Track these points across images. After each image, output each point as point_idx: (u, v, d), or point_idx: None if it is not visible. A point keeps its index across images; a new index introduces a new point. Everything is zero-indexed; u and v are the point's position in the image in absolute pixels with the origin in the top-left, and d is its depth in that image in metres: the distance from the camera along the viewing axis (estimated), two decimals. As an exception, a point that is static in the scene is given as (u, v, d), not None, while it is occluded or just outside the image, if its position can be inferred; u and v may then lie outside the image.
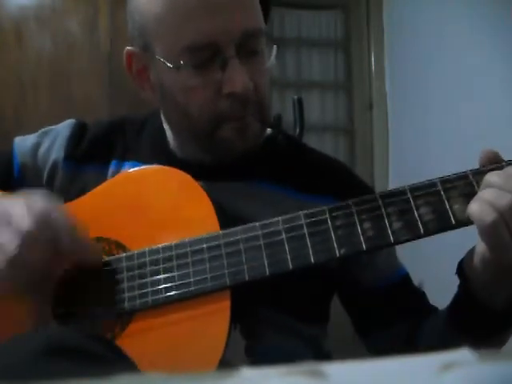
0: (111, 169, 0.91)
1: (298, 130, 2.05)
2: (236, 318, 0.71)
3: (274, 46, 0.85)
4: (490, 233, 0.64)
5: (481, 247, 0.68)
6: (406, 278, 0.94)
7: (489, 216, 0.64)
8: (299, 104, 2.09)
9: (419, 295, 0.93)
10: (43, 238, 0.70)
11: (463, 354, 0.30)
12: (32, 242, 0.70)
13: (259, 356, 0.78)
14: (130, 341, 0.72)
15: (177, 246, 0.75)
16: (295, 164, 0.93)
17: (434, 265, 2.13)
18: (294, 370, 0.29)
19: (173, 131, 0.91)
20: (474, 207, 0.65)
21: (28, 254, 0.70)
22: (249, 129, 0.83)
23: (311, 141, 3.04)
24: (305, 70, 3.18)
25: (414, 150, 2.82)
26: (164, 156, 0.91)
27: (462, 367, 0.28)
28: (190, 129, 0.84)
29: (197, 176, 0.81)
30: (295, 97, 2.14)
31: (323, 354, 0.88)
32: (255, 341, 0.79)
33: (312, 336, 0.87)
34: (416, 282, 0.94)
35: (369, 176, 2.99)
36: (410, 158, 2.82)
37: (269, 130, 0.95)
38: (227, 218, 0.77)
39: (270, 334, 0.80)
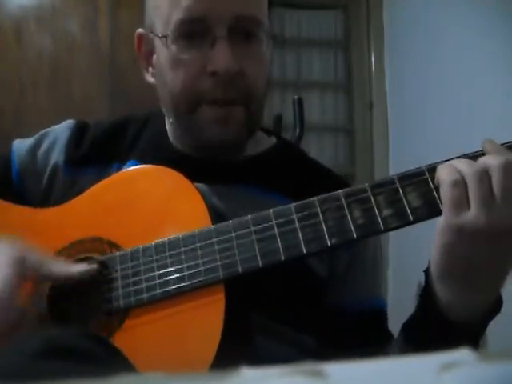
0: (112, 172, 0.90)
1: (298, 130, 2.05)
2: (229, 324, 0.71)
3: (271, 41, 0.85)
4: None
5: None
6: (380, 311, 0.89)
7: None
8: (299, 104, 2.09)
9: (386, 335, 0.87)
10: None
11: (463, 354, 0.30)
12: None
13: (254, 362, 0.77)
14: (127, 337, 0.72)
15: (170, 242, 0.76)
16: (290, 172, 0.92)
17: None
18: (294, 370, 0.29)
19: (167, 117, 0.91)
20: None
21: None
22: (231, 117, 0.82)
23: (311, 141, 3.04)
24: (305, 70, 3.18)
25: (413, 150, 2.82)
26: (165, 153, 0.91)
27: (462, 367, 0.28)
28: (173, 108, 0.85)
29: (194, 174, 0.80)
30: (295, 97, 2.14)
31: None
32: (250, 347, 0.78)
33: (307, 344, 0.85)
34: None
35: (369, 176, 2.99)
36: (409, 158, 2.81)
37: (273, 139, 0.95)
38: (221, 219, 0.77)
39: (265, 341, 0.80)
